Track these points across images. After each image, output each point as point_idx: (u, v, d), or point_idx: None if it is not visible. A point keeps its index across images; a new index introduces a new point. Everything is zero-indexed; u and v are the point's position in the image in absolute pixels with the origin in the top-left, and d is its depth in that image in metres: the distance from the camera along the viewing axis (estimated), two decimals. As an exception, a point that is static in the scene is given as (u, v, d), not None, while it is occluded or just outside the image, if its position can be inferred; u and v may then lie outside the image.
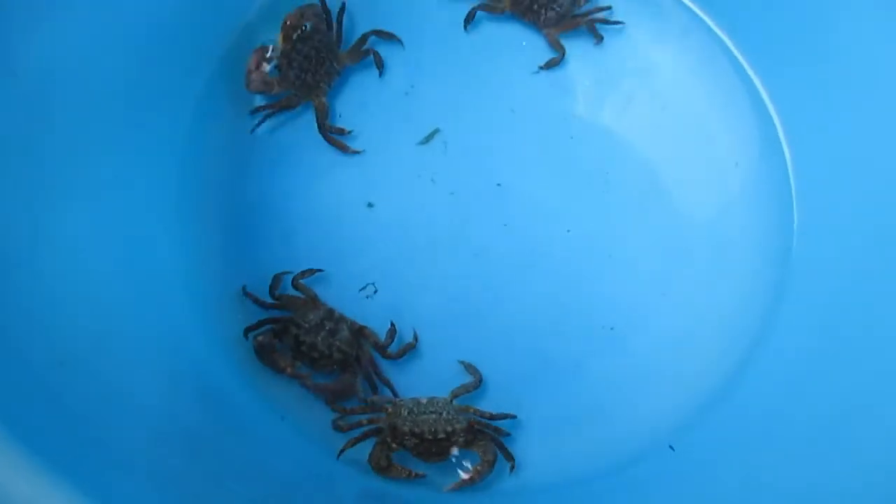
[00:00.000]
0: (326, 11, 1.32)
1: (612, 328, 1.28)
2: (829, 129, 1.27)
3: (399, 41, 1.33)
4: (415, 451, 1.16)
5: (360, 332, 1.23)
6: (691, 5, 1.36)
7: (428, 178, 1.31)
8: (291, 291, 1.24)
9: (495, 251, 1.29)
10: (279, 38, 1.29)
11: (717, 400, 1.24)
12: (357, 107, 1.34)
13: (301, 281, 1.23)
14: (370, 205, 1.31)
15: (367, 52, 1.33)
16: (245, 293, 1.23)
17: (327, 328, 1.21)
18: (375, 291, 1.27)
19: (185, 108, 1.28)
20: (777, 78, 1.33)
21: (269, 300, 1.23)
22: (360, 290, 1.27)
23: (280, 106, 1.30)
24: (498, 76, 1.35)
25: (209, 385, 1.21)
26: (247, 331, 1.22)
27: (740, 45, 1.35)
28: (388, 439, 1.16)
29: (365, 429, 1.19)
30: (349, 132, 1.30)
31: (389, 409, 1.18)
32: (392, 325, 1.24)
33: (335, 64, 1.32)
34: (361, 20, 1.36)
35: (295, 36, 1.28)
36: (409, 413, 1.16)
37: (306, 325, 1.20)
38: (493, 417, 1.20)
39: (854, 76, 1.22)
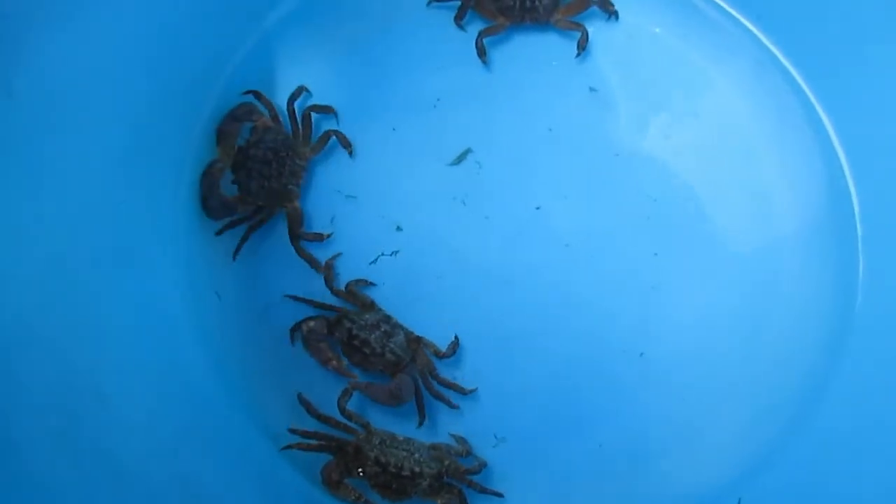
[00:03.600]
0: (271, 108, 1.21)
1: (654, 365, 1.19)
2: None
3: (334, 113, 1.23)
4: (373, 481, 1.11)
5: (417, 341, 1.17)
6: (744, 20, 1.26)
7: (460, 201, 1.23)
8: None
9: (530, 279, 1.20)
10: (219, 150, 1.18)
11: (774, 451, 1.14)
12: (379, 119, 1.25)
13: (354, 287, 1.19)
14: (398, 228, 1.22)
15: (326, 136, 1.21)
16: (293, 297, 1.18)
17: (383, 329, 1.16)
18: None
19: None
20: (841, 103, 1.21)
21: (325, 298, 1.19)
22: (371, 262, 1.21)
23: (250, 222, 1.19)
24: (531, 93, 1.26)
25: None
26: (294, 298, 1.18)
27: (800, 67, 1.24)
28: (349, 461, 1.11)
29: (329, 439, 1.13)
30: (328, 236, 1.20)
31: (361, 435, 1.13)
32: (455, 337, 1.18)
33: (298, 160, 1.19)
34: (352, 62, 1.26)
35: (240, 144, 1.18)
36: (380, 442, 1.12)
37: (361, 322, 1.15)
38: (468, 475, 1.13)
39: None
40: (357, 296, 1.18)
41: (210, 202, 1.17)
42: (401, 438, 1.14)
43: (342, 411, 1.13)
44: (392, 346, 1.15)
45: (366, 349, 1.14)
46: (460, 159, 1.24)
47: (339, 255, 1.20)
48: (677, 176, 1.22)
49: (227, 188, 1.19)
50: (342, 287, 1.19)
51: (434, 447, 1.14)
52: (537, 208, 1.22)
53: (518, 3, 1.24)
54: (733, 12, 1.25)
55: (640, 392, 1.18)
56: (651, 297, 1.20)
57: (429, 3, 1.28)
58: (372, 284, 1.20)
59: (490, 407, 1.18)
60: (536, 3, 1.24)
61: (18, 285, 0.97)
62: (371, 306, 1.18)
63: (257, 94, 1.21)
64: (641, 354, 1.19)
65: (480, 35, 1.25)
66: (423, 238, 1.22)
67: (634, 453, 1.17)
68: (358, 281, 1.19)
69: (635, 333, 1.19)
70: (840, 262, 1.19)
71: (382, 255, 1.21)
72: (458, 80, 1.26)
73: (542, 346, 1.19)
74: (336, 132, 1.22)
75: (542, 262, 1.21)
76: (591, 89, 1.25)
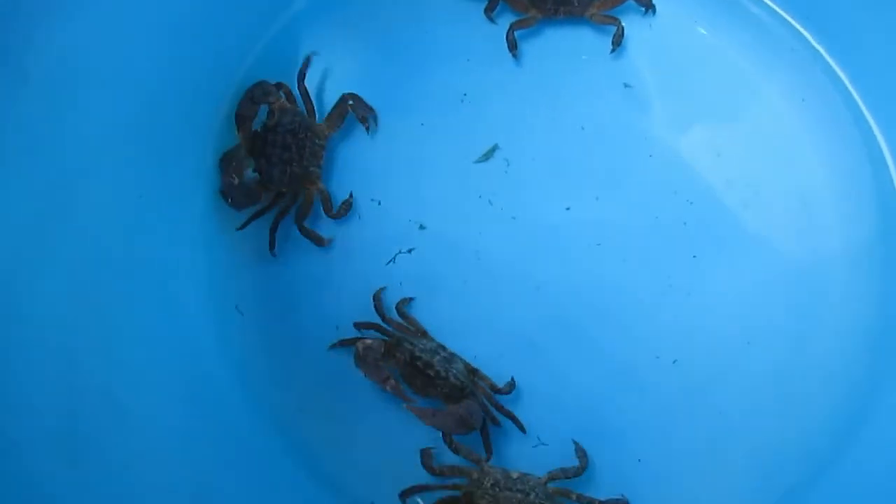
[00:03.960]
0: (283, 88, 1.15)
1: (688, 373, 1.12)
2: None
3: (374, 113, 1.18)
4: None
5: (473, 372, 1.11)
6: (792, 20, 1.19)
7: (486, 200, 1.17)
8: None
9: (560, 284, 1.15)
10: (240, 136, 1.13)
11: (814, 474, 1.08)
12: (404, 113, 1.20)
13: (404, 309, 1.13)
14: (422, 227, 1.17)
15: (343, 110, 1.16)
16: (359, 325, 1.13)
17: (442, 355, 1.09)
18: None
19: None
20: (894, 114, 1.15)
21: (378, 321, 1.12)
22: (388, 262, 1.15)
23: (275, 211, 1.14)
24: (563, 89, 1.21)
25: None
26: (357, 326, 1.12)
27: (852, 73, 1.17)
28: None
29: (443, 491, 1.06)
30: (349, 201, 1.16)
31: (475, 475, 1.05)
32: (512, 379, 1.11)
33: (317, 140, 1.15)
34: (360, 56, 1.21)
35: (257, 128, 1.13)
36: (492, 486, 1.02)
37: (421, 346, 1.09)
38: None
39: None
40: (411, 321, 1.12)
41: (230, 190, 1.11)
42: (515, 475, 1.05)
43: (451, 447, 1.06)
44: (454, 371, 1.08)
45: (430, 371, 1.06)
46: (487, 156, 1.19)
47: (384, 288, 1.14)
48: (716, 180, 1.16)
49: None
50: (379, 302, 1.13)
51: (550, 475, 1.06)
52: (567, 209, 1.16)
53: None
54: (780, 11, 1.19)
55: (674, 401, 1.12)
56: (685, 303, 1.14)
57: (458, -6, 1.24)
58: (411, 299, 1.14)
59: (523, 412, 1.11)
60: None
61: (31, 282, 0.93)
62: (425, 333, 1.12)
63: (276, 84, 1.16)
64: (675, 362, 1.12)
65: (511, 28, 1.20)
66: (446, 238, 1.16)
67: (665, 466, 1.11)
68: (404, 300, 1.13)
69: (668, 340, 1.13)
70: (887, 281, 1.12)
71: (400, 252, 1.15)
72: (486, 74, 1.21)
73: (571, 352, 1.13)
74: (353, 106, 1.16)
75: (572, 265, 1.15)
76: (626, 85, 1.20)
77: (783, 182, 1.16)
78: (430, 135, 1.19)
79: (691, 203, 1.16)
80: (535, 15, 1.21)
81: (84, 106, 0.98)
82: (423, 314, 1.14)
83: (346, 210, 1.15)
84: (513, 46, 1.20)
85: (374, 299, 1.13)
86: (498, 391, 1.10)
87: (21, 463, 0.88)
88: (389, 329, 1.12)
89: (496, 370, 1.12)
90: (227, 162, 1.12)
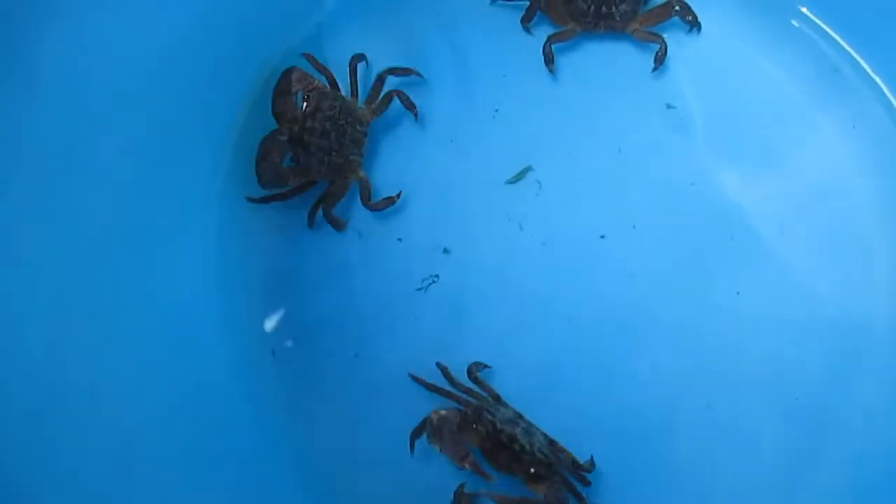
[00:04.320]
0: (326, 73, 1.09)
1: (722, 419, 1.06)
2: None
3: (419, 75, 1.12)
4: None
5: (553, 444, 1.02)
6: (856, 55, 1.12)
7: (516, 224, 1.10)
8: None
9: (592, 316, 1.08)
10: (280, 122, 1.06)
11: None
12: (431, 125, 1.13)
13: (478, 374, 1.04)
14: (446, 250, 1.09)
15: (388, 96, 1.10)
16: (413, 378, 1.04)
17: (521, 426, 1.00)
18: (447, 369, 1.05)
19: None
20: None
21: (448, 387, 1.03)
22: (418, 288, 1.08)
23: (305, 194, 1.08)
24: (601, 109, 1.14)
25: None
26: (428, 386, 1.03)
27: None
28: None
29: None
30: (398, 197, 1.08)
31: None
32: (591, 457, 1.02)
33: (359, 127, 1.08)
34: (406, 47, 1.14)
35: (294, 114, 1.05)
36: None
37: (501, 416, 0.99)
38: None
39: None
40: (484, 385, 1.03)
41: (262, 162, 1.05)
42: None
43: None
44: (538, 444, 0.98)
45: (515, 446, 0.96)
46: (519, 177, 1.12)
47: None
48: (761, 216, 1.09)
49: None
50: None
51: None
52: (602, 237, 1.10)
53: (593, 7, 1.12)
54: (834, 35, 1.13)
55: (708, 447, 1.05)
56: (719, 343, 1.07)
57: (493, 1, 1.16)
58: (488, 367, 1.05)
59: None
60: (613, 9, 1.12)
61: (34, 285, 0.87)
62: (499, 398, 1.03)
63: (309, 58, 1.10)
64: (708, 406, 1.06)
65: (549, 40, 1.13)
66: (471, 263, 1.09)
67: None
68: (477, 364, 1.04)
69: (701, 382, 1.06)
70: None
71: (433, 281, 1.08)
72: (520, 88, 1.14)
73: (602, 390, 1.06)
74: (399, 93, 1.09)
75: (605, 296, 1.08)
76: (668, 106, 1.13)
77: (834, 228, 1.09)
78: (459, 151, 1.13)
79: (733, 238, 1.09)
80: (574, 28, 1.14)
81: (95, 109, 0.91)
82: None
83: (385, 205, 1.08)
84: (549, 60, 1.13)
85: (438, 366, 1.04)
86: (579, 467, 1.01)
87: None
88: (458, 394, 1.03)
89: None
90: (265, 141, 1.06)
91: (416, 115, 1.11)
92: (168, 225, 1.04)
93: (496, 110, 1.14)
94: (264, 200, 1.07)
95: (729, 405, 1.06)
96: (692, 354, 1.07)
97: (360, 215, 1.10)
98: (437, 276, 1.09)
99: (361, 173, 1.08)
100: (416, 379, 1.03)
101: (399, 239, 1.10)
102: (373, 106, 1.10)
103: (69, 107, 0.88)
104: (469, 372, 1.03)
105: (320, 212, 1.07)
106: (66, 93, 0.87)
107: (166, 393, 1.00)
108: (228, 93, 1.08)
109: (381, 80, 1.10)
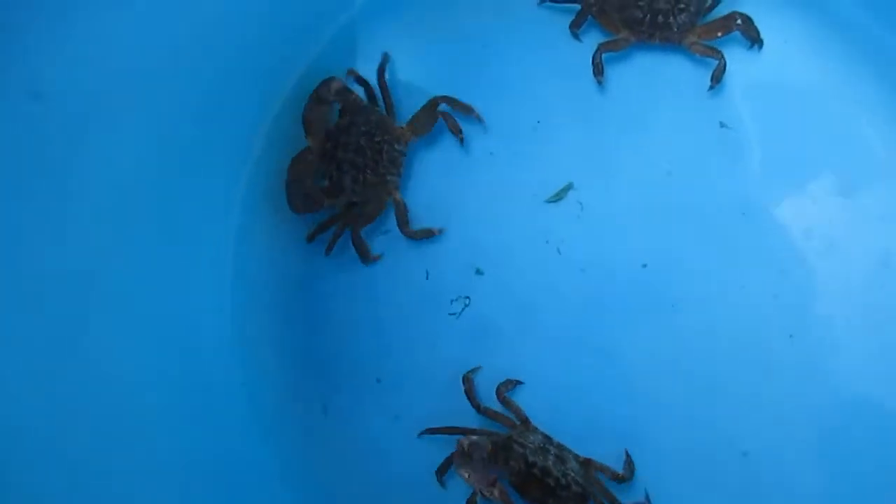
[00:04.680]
0: (362, 82, 1.03)
1: (759, 468, 1.00)
2: None
3: (480, 119, 1.05)
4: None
5: (587, 465, 0.97)
6: None
7: (554, 247, 1.04)
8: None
9: (633, 351, 1.02)
10: (310, 140, 1.01)
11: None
12: (468, 136, 1.06)
13: (507, 395, 0.98)
14: (478, 271, 1.03)
15: (434, 117, 1.03)
16: (429, 431, 0.99)
17: (553, 454, 0.94)
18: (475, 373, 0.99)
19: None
20: None
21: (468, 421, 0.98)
22: (450, 313, 1.02)
23: (342, 222, 1.01)
24: (651, 126, 1.07)
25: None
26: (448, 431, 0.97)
27: None
28: None
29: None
30: (438, 232, 1.03)
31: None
32: (627, 454, 0.97)
33: (396, 145, 1.01)
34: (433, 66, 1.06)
35: (327, 129, 1.00)
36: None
37: (531, 446, 0.94)
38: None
39: None
40: (513, 406, 0.97)
41: (290, 188, 1.00)
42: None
43: None
44: (572, 473, 0.93)
45: (549, 479, 0.92)
46: (559, 197, 1.05)
47: (478, 369, 1.00)
48: (818, 253, 1.02)
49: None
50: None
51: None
52: (644, 266, 1.03)
53: (649, 16, 1.04)
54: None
55: (743, 498, 1.00)
56: (762, 386, 1.01)
57: (540, 2, 1.07)
58: (520, 383, 0.99)
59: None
60: (672, 19, 1.04)
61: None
62: (527, 422, 0.97)
63: (352, 73, 1.04)
64: (745, 454, 1.00)
65: (599, 49, 1.05)
66: (504, 287, 1.03)
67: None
68: (507, 383, 0.98)
69: (739, 426, 1.00)
70: None
71: (465, 304, 1.02)
72: (565, 99, 1.07)
73: (641, 428, 1.00)
74: (447, 115, 1.03)
75: (645, 329, 1.02)
76: (722, 125, 1.05)
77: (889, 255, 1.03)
78: (497, 165, 1.06)
79: (782, 272, 1.02)
80: (627, 37, 1.05)
81: (104, 111, 0.84)
82: (478, 382, 1.01)
83: (423, 235, 1.02)
84: (599, 71, 1.05)
85: (464, 381, 0.98)
86: (620, 479, 0.96)
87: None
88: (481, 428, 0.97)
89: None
90: (294, 163, 1.00)
91: (461, 140, 1.04)
92: (187, 231, 0.97)
93: (538, 122, 1.06)
94: (315, 234, 1.02)
95: (768, 454, 1.00)
96: (728, 394, 1.00)
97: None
98: (468, 297, 1.03)
99: (398, 195, 1.01)
100: (432, 431, 0.98)
101: (430, 257, 1.04)
102: (415, 125, 1.02)
103: (83, 109, 0.81)
104: (498, 392, 0.98)
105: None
106: (77, 95, 0.80)
107: (171, 398, 0.95)
108: (252, 96, 1.01)
109: (433, 105, 1.03)
